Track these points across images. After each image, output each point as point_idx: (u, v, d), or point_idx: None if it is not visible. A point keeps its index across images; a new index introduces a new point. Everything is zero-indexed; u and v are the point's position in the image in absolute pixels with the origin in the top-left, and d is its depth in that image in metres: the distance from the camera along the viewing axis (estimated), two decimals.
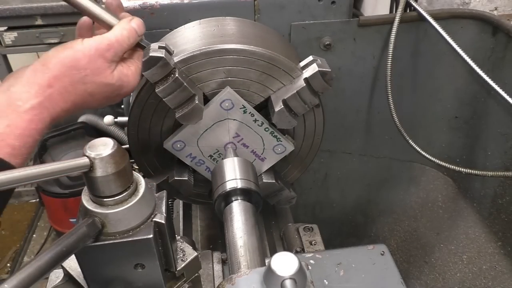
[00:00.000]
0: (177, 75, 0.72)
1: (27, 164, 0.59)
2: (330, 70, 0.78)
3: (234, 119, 0.82)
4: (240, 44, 0.77)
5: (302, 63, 0.81)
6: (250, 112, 0.82)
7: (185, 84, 0.74)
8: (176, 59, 0.75)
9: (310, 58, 0.80)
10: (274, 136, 0.85)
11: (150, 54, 0.70)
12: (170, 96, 0.74)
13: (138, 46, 0.73)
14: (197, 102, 0.75)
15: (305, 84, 0.78)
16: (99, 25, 0.73)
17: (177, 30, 0.89)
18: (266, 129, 0.84)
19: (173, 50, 0.75)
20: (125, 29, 0.70)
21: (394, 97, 1.05)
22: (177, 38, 0.86)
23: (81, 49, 0.66)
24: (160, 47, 0.71)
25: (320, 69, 0.77)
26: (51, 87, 0.63)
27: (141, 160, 0.89)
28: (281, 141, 0.86)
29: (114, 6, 0.75)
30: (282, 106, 0.79)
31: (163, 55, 0.70)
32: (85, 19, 0.74)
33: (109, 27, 0.71)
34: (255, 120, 0.83)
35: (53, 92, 0.63)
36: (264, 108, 0.84)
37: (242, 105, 0.81)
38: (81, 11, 0.74)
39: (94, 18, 0.73)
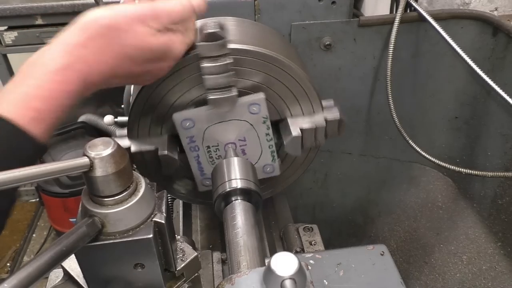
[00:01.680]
0: (231, 61, 0.72)
1: (50, 137, 0.55)
2: (345, 120, 0.82)
3: (251, 124, 0.82)
4: (283, 56, 0.78)
5: (324, 103, 0.83)
6: (267, 125, 0.83)
7: (232, 72, 0.74)
8: (233, 46, 0.75)
9: (331, 102, 0.83)
10: (272, 155, 0.86)
11: (215, 30, 0.69)
12: (213, 77, 0.74)
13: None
14: (235, 93, 0.76)
15: (325, 124, 0.81)
16: None
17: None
18: (270, 146, 0.85)
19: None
20: (181, 3, 0.66)
21: (394, 98, 1.05)
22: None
23: (121, 10, 0.61)
24: (221, 27, 0.71)
25: (341, 117, 0.81)
26: (86, 48, 0.58)
27: (136, 120, 0.85)
28: (274, 162, 0.87)
29: None
30: (300, 134, 0.81)
31: (226, 37, 0.70)
32: None
33: None
34: (267, 134, 0.84)
35: (87, 52, 0.58)
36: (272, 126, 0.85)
37: (266, 115, 0.81)
38: None
39: None
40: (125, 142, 0.82)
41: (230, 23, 0.88)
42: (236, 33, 0.85)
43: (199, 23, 0.76)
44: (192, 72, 0.77)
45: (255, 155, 0.86)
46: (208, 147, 0.86)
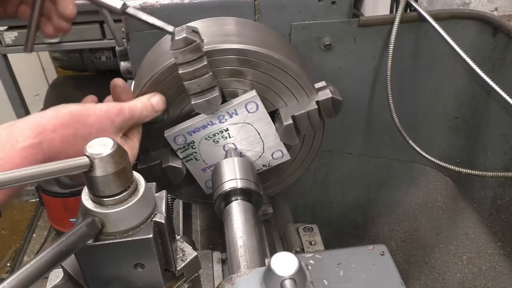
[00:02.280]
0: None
1: (5, 206, 0.60)
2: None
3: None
4: (272, 51, 0.78)
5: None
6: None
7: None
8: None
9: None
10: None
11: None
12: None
13: (157, 28, 0.75)
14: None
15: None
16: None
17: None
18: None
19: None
20: (141, 101, 0.74)
21: (394, 98, 1.05)
22: (230, 26, 0.87)
23: (92, 107, 0.68)
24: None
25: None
26: (54, 133, 0.64)
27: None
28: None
29: (120, 89, 0.78)
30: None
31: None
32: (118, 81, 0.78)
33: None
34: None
35: (55, 137, 0.64)
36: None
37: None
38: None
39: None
40: None
41: (230, 22, 0.89)
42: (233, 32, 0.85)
43: (173, 30, 0.77)
44: (175, 82, 0.78)
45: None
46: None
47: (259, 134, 0.84)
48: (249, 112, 0.81)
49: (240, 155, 0.87)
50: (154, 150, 0.87)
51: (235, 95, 0.81)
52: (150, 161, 0.86)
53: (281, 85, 0.81)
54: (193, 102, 0.76)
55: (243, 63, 0.78)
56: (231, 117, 0.82)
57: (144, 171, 0.84)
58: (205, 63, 0.73)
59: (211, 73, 0.74)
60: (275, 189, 0.98)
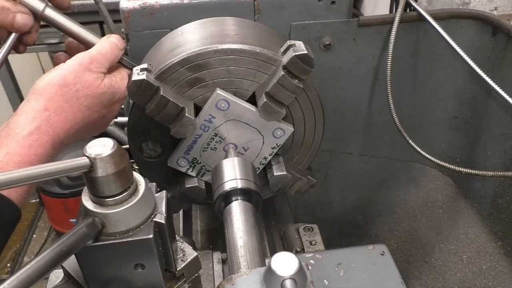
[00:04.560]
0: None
1: (26, 201, 0.61)
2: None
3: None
4: (219, 44, 0.77)
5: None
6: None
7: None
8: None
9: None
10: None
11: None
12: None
13: (122, 66, 0.79)
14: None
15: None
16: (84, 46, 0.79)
17: (176, 30, 0.89)
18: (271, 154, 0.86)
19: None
20: (106, 42, 0.75)
21: (394, 97, 1.05)
22: (175, 39, 0.86)
23: (65, 67, 0.69)
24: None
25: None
26: (47, 110, 0.64)
27: (151, 175, 0.90)
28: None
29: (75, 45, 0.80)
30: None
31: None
32: (71, 40, 0.79)
33: (92, 45, 0.77)
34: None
35: (50, 114, 0.64)
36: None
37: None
38: (65, 33, 0.82)
39: (77, 38, 0.82)
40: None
41: (230, 22, 0.88)
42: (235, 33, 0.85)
43: (193, 25, 0.77)
44: (186, 75, 0.77)
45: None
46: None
47: (248, 124, 0.84)
48: (223, 110, 0.81)
49: (245, 150, 0.87)
50: (170, 185, 0.90)
51: (207, 100, 0.81)
52: (172, 189, 0.89)
53: (242, 70, 0.79)
54: (171, 132, 0.77)
55: (194, 70, 0.77)
56: (211, 122, 0.82)
57: (164, 101, 0.80)
58: (161, 94, 0.73)
59: (171, 100, 0.74)
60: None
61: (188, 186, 0.87)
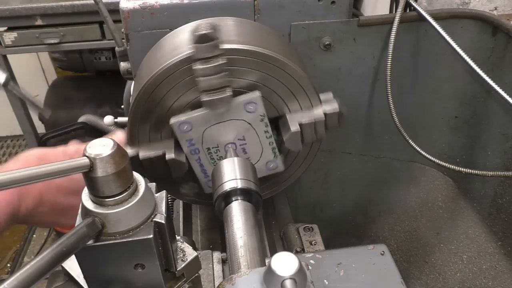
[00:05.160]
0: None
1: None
2: (344, 113, 0.82)
3: (248, 123, 0.82)
4: (277, 54, 0.78)
5: (321, 96, 0.83)
6: (265, 122, 0.83)
7: (226, 72, 0.74)
8: (226, 47, 0.75)
9: (330, 95, 0.83)
10: (273, 152, 0.86)
11: (206, 31, 0.70)
12: (206, 78, 0.74)
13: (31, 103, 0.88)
14: (230, 93, 0.76)
15: (324, 118, 0.81)
16: None
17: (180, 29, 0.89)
18: (271, 143, 0.85)
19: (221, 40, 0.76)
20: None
21: (394, 97, 1.05)
22: (180, 37, 0.86)
23: (53, 148, 0.80)
24: (213, 28, 0.71)
25: (340, 110, 0.81)
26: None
27: (135, 129, 0.85)
28: (277, 158, 0.87)
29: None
30: (299, 129, 0.81)
31: (218, 37, 0.70)
32: None
33: None
34: (266, 132, 0.84)
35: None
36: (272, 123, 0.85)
37: (263, 113, 0.82)
38: None
39: None
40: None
41: (229, 23, 0.88)
42: (233, 33, 0.85)
43: (192, 24, 0.76)
44: (186, 75, 0.77)
45: (256, 153, 0.86)
46: (208, 149, 0.86)
47: (220, 122, 0.83)
48: (188, 130, 0.81)
49: (243, 151, 0.87)
50: (153, 140, 0.86)
51: (238, 94, 0.81)
52: (152, 151, 0.84)
53: (285, 89, 0.81)
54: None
55: (250, 65, 0.78)
56: (194, 145, 0.83)
57: (147, 162, 0.84)
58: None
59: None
60: (275, 189, 0.98)
61: (176, 158, 0.83)
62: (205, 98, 0.76)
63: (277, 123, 0.86)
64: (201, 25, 0.72)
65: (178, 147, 0.86)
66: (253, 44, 0.79)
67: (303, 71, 0.81)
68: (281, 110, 0.84)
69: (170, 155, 0.83)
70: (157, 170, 0.86)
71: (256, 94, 0.80)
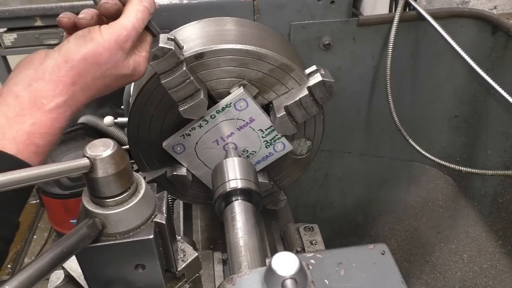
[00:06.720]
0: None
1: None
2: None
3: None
4: (253, 46, 0.78)
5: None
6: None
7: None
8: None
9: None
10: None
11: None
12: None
13: (146, 29, 0.71)
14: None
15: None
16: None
17: (177, 30, 0.89)
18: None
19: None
20: (139, 11, 0.67)
21: (394, 97, 1.05)
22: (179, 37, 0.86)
23: (102, 43, 0.64)
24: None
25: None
26: (75, 85, 0.63)
27: (138, 154, 0.88)
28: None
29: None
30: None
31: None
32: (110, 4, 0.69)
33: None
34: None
35: (76, 89, 0.63)
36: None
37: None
38: None
39: None
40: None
41: (229, 23, 0.89)
42: (196, 36, 0.85)
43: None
44: (157, 98, 0.79)
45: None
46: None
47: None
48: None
49: (242, 152, 0.87)
50: (160, 162, 0.89)
51: (224, 95, 0.81)
52: (156, 173, 0.88)
53: (268, 77, 0.80)
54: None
55: (227, 63, 0.78)
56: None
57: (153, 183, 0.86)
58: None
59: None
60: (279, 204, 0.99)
61: (177, 173, 0.87)
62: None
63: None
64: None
65: (178, 162, 0.88)
66: (220, 42, 0.78)
67: (284, 58, 0.79)
68: (269, 97, 0.83)
69: (170, 174, 0.87)
70: (169, 188, 0.90)
71: (290, 147, 0.83)
